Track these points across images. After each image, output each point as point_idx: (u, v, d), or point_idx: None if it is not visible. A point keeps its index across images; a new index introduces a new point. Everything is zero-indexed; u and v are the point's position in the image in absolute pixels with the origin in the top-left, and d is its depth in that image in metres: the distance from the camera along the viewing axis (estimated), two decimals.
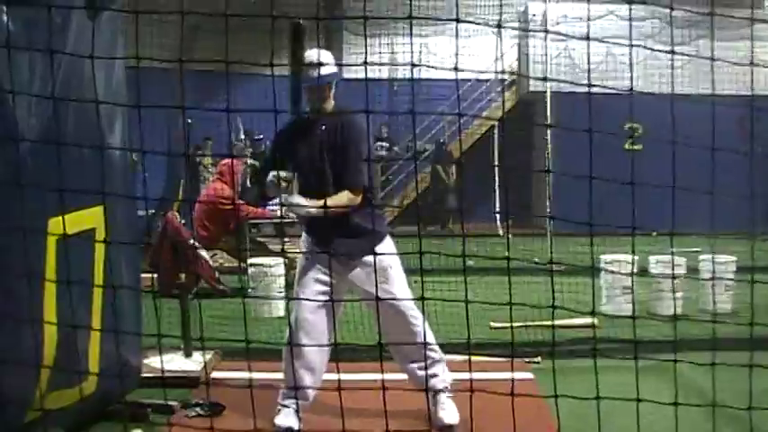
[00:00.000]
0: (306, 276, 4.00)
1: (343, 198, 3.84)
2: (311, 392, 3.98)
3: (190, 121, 10.69)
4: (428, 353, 3.94)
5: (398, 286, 3.98)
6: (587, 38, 2.24)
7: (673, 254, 5.76)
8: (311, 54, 3.89)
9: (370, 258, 3.79)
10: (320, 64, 3.81)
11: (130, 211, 4.39)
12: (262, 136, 13.96)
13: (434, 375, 4.04)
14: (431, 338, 4.05)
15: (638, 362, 2.77)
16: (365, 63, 2.10)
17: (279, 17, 2.25)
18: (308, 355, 3.91)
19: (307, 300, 3.87)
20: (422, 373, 3.93)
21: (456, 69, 2.34)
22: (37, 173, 3.19)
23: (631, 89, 2.55)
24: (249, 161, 13.25)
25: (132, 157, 4.40)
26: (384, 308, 3.85)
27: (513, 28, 15.80)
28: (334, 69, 4.02)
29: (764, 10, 15.85)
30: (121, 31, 4.10)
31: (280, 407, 4.00)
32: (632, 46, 2.39)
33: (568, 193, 3.86)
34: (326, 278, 3.88)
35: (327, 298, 3.83)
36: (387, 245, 4.04)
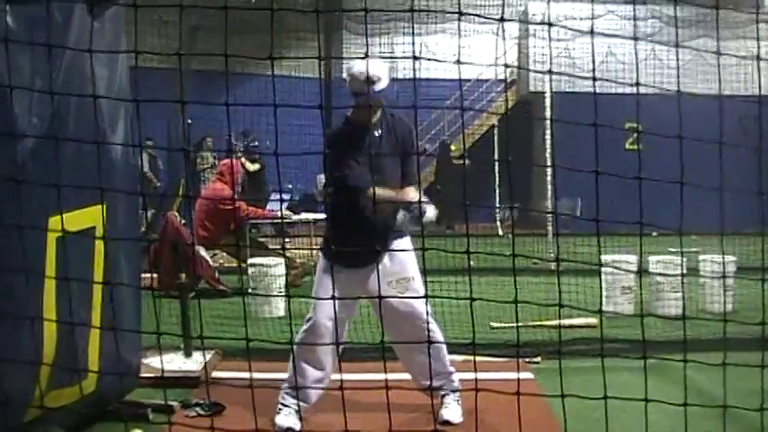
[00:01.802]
0: (326, 282, 3.90)
1: (411, 192, 3.84)
2: (314, 396, 3.98)
3: (190, 121, 10.69)
4: (438, 367, 3.97)
5: (418, 301, 3.93)
6: (591, 31, 2.23)
7: (682, 253, 5.76)
8: (364, 66, 3.82)
9: (390, 267, 3.83)
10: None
11: (131, 211, 4.38)
12: (257, 144, 13.94)
13: (444, 385, 4.08)
14: (445, 353, 4.09)
15: (639, 362, 2.76)
16: (366, 56, 2.09)
17: (279, 9, 2.24)
18: (318, 359, 3.91)
19: (318, 298, 3.87)
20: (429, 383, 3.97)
21: (459, 62, 2.33)
22: (38, 171, 3.18)
23: (638, 82, 2.52)
24: (249, 166, 13.21)
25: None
26: (401, 320, 3.88)
27: (517, 21, 15.78)
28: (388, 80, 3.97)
29: (765, 9, 15.85)
30: (124, 31, 4.09)
31: (280, 406, 3.99)
32: (637, 39, 2.38)
33: (568, 194, 3.84)
34: (348, 286, 3.87)
35: (345, 305, 3.84)
36: (408, 248, 4.02)
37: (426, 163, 16.22)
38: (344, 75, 3.98)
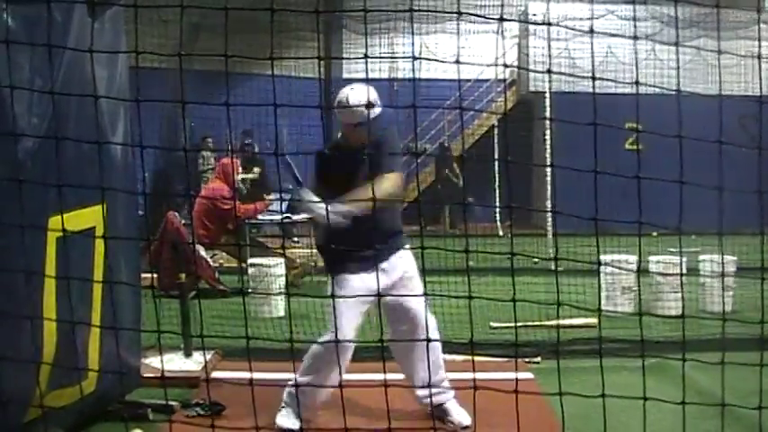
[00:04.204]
0: (354, 297, 3.73)
1: (382, 183, 3.64)
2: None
3: (193, 124, 10.70)
4: (433, 374, 3.90)
5: (418, 301, 3.89)
6: (591, 30, 2.23)
7: (682, 253, 5.76)
8: (344, 94, 3.84)
9: (396, 264, 3.84)
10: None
11: (131, 211, 4.38)
12: (250, 141, 13.86)
13: (442, 396, 4.07)
14: (440, 356, 4.08)
15: (639, 361, 2.76)
16: (365, 56, 2.09)
17: (279, 10, 2.24)
18: (332, 369, 3.79)
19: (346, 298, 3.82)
20: (429, 398, 3.98)
21: (458, 62, 2.33)
22: (38, 171, 3.18)
23: (637, 81, 2.52)
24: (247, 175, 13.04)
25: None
26: (401, 318, 3.88)
27: (516, 21, 15.77)
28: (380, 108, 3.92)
29: (766, 9, 15.85)
30: (124, 32, 4.09)
31: (283, 405, 4.00)
32: (636, 38, 2.38)
33: (568, 195, 3.85)
34: (371, 299, 3.74)
35: (362, 313, 3.91)
36: (408, 253, 4.05)
37: (426, 163, 16.27)
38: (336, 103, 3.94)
